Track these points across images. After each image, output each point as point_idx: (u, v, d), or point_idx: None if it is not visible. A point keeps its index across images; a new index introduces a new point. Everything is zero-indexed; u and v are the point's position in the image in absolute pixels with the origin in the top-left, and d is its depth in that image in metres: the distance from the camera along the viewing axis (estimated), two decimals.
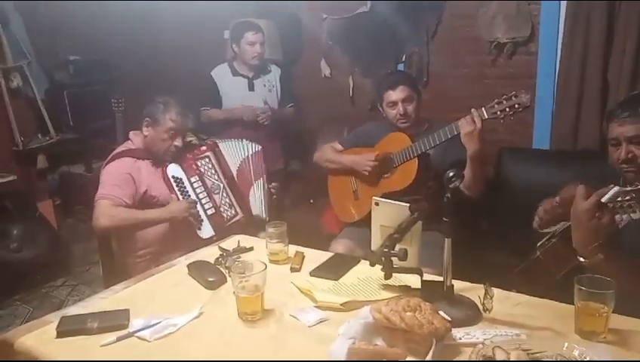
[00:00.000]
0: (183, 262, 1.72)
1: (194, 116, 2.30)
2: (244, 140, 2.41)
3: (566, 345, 1.12)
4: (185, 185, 2.18)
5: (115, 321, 1.33)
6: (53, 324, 1.32)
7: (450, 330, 1.18)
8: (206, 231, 2.17)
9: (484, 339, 1.17)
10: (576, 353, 1.10)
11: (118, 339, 1.27)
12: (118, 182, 2.09)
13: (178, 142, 2.18)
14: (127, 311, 1.37)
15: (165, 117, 2.15)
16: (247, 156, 2.38)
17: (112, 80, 4.37)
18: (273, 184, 2.45)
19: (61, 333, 1.30)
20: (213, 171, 2.26)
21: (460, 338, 1.20)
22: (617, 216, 1.33)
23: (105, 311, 1.39)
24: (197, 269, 1.62)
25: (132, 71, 4.31)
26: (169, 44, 4.14)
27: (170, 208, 2.12)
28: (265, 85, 3.21)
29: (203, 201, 2.19)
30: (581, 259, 1.36)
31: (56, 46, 4.34)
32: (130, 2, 3.97)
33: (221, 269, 1.62)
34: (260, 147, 2.42)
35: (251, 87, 3.18)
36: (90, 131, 4.08)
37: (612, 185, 1.30)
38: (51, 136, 3.93)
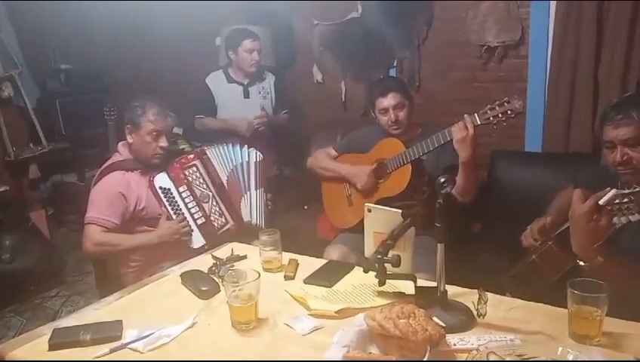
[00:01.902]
0: (177, 271, 1.71)
1: (176, 114, 2.25)
2: (243, 146, 2.38)
3: (560, 349, 1.12)
4: (173, 195, 2.15)
5: (108, 333, 1.32)
6: (46, 337, 1.31)
7: (445, 336, 1.17)
8: (196, 241, 2.15)
9: (479, 345, 1.17)
10: (570, 357, 1.10)
11: (112, 351, 1.26)
12: (107, 203, 2.07)
13: (163, 143, 2.14)
14: (120, 322, 1.36)
15: (144, 119, 2.12)
16: (245, 162, 2.35)
17: (104, 89, 4.37)
18: (269, 195, 2.44)
19: (53, 346, 1.28)
20: (201, 180, 2.23)
21: (455, 345, 1.20)
22: (615, 219, 1.34)
23: (98, 323, 1.37)
24: (190, 278, 1.61)
25: (124, 79, 4.31)
26: (161, 52, 4.14)
27: (159, 232, 2.10)
28: (260, 92, 3.21)
29: (192, 211, 2.16)
30: (581, 263, 1.37)
31: (47, 55, 4.34)
32: (123, 11, 3.97)
33: (214, 278, 1.61)
34: (261, 156, 2.40)
35: (246, 95, 3.17)
36: (83, 140, 4.08)
37: (609, 188, 1.31)
38: (43, 145, 3.92)
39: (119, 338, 1.31)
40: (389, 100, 2.30)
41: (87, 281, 3.29)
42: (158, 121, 2.13)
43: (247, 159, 2.37)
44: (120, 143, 2.25)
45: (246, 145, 2.41)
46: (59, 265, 3.44)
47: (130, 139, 2.17)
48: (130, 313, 1.44)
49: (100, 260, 2.26)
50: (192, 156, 2.25)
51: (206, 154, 2.29)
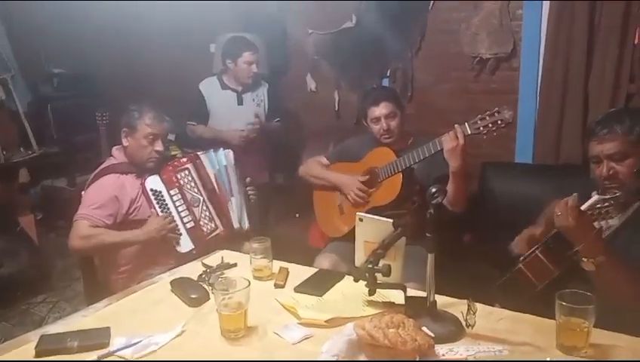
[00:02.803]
0: (166, 278, 1.70)
1: (171, 120, 2.26)
2: (220, 150, 2.37)
3: (548, 359, 1.13)
4: (164, 198, 2.15)
5: (95, 340, 1.31)
6: (33, 343, 1.30)
7: (434, 347, 1.18)
8: (185, 245, 2.15)
9: (467, 355, 1.17)
10: None
11: (99, 358, 1.25)
12: (99, 203, 2.07)
13: (159, 147, 2.17)
14: (108, 329, 1.35)
15: (141, 123, 2.15)
16: (230, 165, 2.35)
17: (96, 93, 4.36)
18: (249, 188, 2.42)
19: (40, 353, 1.27)
20: (193, 184, 2.24)
21: (444, 355, 1.20)
22: (596, 224, 1.40)
23: (85, 330, 1.36)
24: (180, 286, 1.60)
25: (117, 84, 4.30)
26: (155, 57, 4.13)
27: (146, 229, 2.10)
28: (254, 100, 3.21)
29: (182, 215, 2.17)
30: (584, 259, 1.40)
31: (40, 59, 4.33)
32: (116, 16, 3.96)
33: (204, 286, 1.60)
34: (232, 153, 2.38)
35: (240, 101, 3.18)
36: (74, 145, 4.06)
37: (593, 193, 1.36)
38: (34, 149, 3.90)
39: (107, 345, 1.29)
40: (380, 110, 2.32)
41: (75, 288, 3.25)
42: (155, 125, 2.16)
43: (232, 162, 2.37)
44: (114, 148, 2.26)
45: (229, 149, 2.40)
46: (47, 270, 3.40)
47: (125, 142, 2.19)
48: (118, 320, 1.43)
49: (88, 266, 2.24)
50: (185, 160, 2.27)
51: (199, 158, 2.30)
